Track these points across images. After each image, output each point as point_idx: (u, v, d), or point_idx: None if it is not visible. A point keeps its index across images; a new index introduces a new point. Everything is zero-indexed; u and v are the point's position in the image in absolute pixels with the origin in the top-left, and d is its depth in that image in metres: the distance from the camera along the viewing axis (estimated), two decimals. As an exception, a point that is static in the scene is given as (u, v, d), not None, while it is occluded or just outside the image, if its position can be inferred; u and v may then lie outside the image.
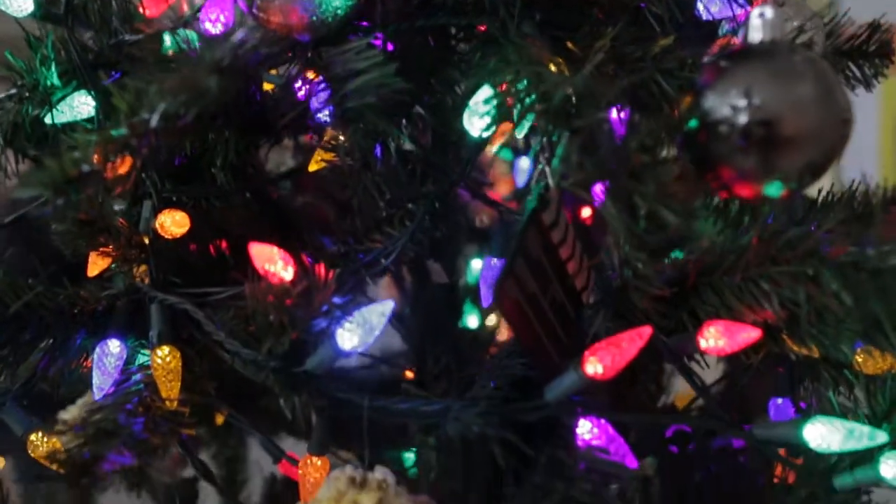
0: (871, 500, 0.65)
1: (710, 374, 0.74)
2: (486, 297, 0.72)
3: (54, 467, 0.53)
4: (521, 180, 1.04)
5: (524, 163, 1.04)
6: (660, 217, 0.48)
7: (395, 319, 1.15)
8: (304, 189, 1.06)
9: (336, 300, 0.51)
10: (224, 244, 0.70)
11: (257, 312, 0.53)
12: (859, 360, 0.68)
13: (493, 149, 1.03)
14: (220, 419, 1.06)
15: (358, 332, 0.51)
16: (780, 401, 0.75)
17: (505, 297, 0.48)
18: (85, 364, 0.70)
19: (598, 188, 0.49)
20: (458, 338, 0.97)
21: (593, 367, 0.51)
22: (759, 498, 0.68)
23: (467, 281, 1.07)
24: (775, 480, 0.67)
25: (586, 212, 0.84)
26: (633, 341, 0.50)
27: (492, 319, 1.03)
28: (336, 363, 0.52)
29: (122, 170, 0.63)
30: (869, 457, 0.59)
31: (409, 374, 0.91)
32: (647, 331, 0.50)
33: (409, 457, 0.77)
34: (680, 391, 1.00)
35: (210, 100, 0.48)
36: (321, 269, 0.53)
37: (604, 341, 0.51)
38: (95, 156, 0.48)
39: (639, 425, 0.60)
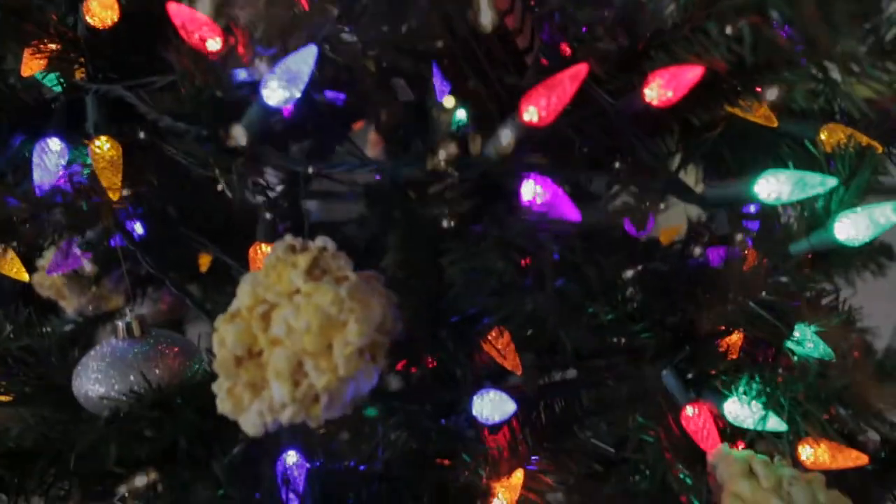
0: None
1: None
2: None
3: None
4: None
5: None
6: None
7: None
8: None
9: (259, 50, 0.48)
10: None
11: (183, 76, 0.51)
12: (823, 136, 0.66)
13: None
14: (204, 262, 1.06)
15: (283, 84, 0.49)
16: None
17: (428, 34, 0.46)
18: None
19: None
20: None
21: (530, 114, 0.49)
22: (721, 282, 0.68)
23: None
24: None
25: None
26: (569, 81, 0.48)
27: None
28: (265, 119, 0.50)
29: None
30: (824, 222, 0.58)
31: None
32: (582, 68, 0.48)
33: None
34: (663, 226, 0.99)
35: None
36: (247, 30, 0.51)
37: (538, 85, 0.49)
38: None
39: (579, 179, 0.59)
